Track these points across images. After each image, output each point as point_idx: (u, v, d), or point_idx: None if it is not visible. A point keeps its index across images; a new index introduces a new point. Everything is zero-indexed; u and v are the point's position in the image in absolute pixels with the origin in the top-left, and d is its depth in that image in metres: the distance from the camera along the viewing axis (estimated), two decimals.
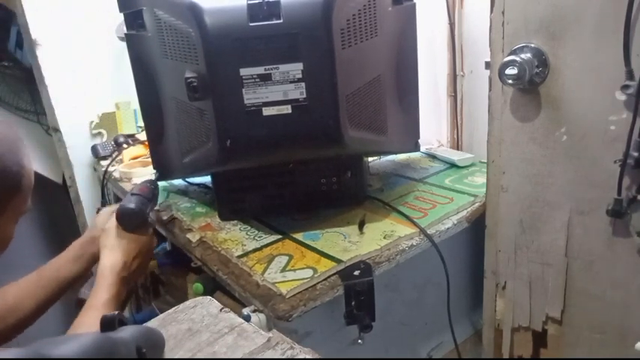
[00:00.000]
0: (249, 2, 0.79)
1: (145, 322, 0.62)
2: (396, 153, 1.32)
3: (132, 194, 0.97)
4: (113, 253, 0.89)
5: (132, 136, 1.57)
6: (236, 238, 0.99)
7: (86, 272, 1.00)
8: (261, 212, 1.07)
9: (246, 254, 0.92)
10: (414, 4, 1.03)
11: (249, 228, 1.03)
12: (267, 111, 0.84)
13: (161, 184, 1.27)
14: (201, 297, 0.68)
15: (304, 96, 0.83)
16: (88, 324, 0.77)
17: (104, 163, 1.49)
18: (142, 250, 0.93)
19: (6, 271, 0.95)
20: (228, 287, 0.90)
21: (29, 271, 0.96)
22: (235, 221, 1.06)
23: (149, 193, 1.01)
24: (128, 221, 0.92)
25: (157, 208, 1.16)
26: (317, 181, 1.04)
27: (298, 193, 1.05)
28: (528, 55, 0.78)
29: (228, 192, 1.06)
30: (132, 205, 0.93)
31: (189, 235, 1.03)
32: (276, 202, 1.06)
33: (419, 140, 1.15)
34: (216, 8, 0.80)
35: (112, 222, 0.93)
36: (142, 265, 0.94)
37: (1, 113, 1.85)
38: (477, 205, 1.06)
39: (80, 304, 0.86)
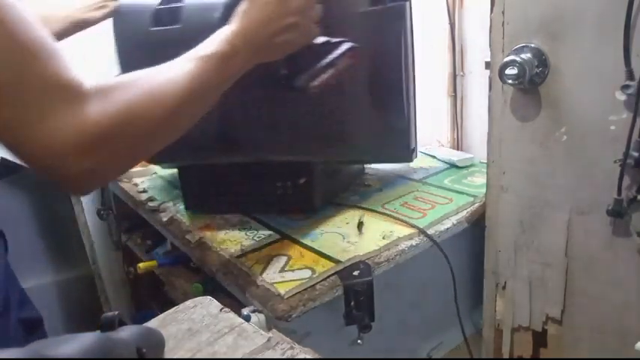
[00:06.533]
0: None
1: (145, 322, 0.62)
2: (382, 162, 1.28)
3: None
4: None
5: None
6: (235, 239, 0.99)
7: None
8: (222, 209, 1.10)
9: (244, 254, 0.92)
10: (404, 5, 0.94)
11: (247, 228, 1.03)
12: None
13: (161, 184, 1.27)
14: (201, 297, 0.68)
15: None
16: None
17: None
18: None
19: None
20: (228, 287, 0.90)
21: (29, 272, 0.95)
22: (234, 222, 1.06)
23: None
24: None
25: (157, 208, 1.16)
26: (273, 184, 1.04)
27: (255, 193, 1.07)
28: (528, 55, 0.78)
29: (192, 186, 1.10)
30: None
31: (188, 236, 1.03)
32: (237, 200, 1.09)
33: (413, 147, 1.07)
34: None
35: None
36: None
37: None
38: (476, 205, 1.06)
39: None
